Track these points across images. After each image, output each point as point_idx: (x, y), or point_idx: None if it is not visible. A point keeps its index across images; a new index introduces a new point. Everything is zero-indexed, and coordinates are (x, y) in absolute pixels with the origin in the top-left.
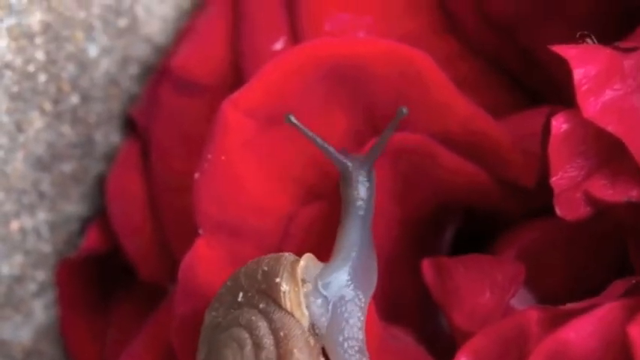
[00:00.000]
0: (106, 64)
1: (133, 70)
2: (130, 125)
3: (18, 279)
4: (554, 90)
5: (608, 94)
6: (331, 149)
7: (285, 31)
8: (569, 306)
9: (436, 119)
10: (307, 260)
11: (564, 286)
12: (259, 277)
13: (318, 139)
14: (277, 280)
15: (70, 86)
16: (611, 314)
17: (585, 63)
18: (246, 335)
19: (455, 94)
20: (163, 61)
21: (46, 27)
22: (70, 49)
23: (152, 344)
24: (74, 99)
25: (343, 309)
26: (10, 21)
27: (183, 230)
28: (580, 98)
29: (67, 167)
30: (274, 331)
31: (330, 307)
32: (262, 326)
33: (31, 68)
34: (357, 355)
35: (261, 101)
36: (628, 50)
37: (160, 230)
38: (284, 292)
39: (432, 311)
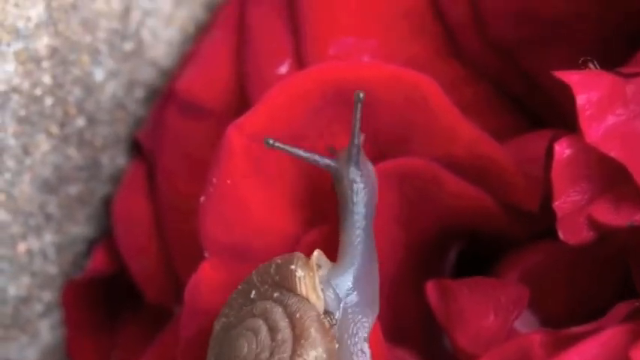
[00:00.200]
0: (112, 88)
1: (139, 93)
2: (136, 148)
3: (24, 300)
4: (556, 112)
5: (611, 120)
6: (316, 157)
7: (289, 55)
8: (573, 329)
9: (441, 143)
10: (320, 253)
11: (567, 308)
12: (272, 270)
13: (301, 152)
14: (292, 267)
15: (76, 109)
16: (615, 338)
17: (588, 88)
18: (261, 322)
19: (459, 119)
20: (169, 85)
21: (53, 51)
22: (76, 72)
23: None
24: (80, 122)
25: (352, 316)
26: (18, 45)
27: (188, 252)
28: (583, 123)
29: (74, 189)
30: (290, 315)
31: (341, 306)
32: (277, 311)
33: (38, 92)
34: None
35: (267, 126)
36: (630, 76)
37: (165, 252)
38: (299, 278)
39: (436, 333)
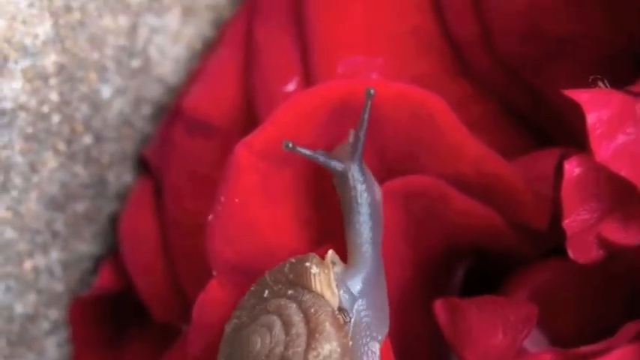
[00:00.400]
0: (119, 105)
1: (146, 110)
2: (143, 165)
3: (31, 318)
4: (563, 129)
5: (621, 139)
6: (321, 158)
7: (297, 73)
8: (582, 348)
9: (448, 161)
10: (333, 252)
11: (576, 327)
12: (286, 269)
13: (308, 152)
14: (307, 264)
15: (83, 127)
16: (624, 358)
17: (598, 107)
18: (275, 317)
19: (467, 136)
20: (176, 102)
21: (60, 68)
22: (83, 89)
23: None
24: (87, 139)
25: (365, 319)
26: (25, 63)
27: (195, 270)
28: (593, 142)
29: (81, 207)
30: (304, 310)
31: (354, 307)
32: (291, 307)
33: (45, 109)
34: None
35: (275, 143)
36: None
37: (172, 269)
38: (314, 275)
39: (445, 352)
